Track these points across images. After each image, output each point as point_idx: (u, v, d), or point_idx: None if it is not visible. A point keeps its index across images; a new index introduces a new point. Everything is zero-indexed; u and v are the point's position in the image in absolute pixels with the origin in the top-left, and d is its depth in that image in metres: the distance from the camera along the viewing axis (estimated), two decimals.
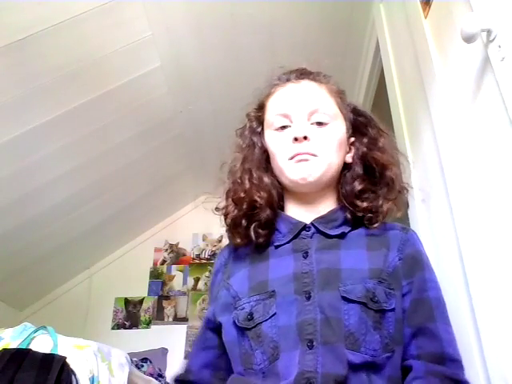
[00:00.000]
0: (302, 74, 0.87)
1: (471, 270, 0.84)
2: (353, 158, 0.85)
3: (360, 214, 0.80)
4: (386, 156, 0.83)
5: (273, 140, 0.83)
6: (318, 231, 0.80)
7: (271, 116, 0.84)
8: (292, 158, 0.79)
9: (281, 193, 0.86)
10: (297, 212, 0.83)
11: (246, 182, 0.83)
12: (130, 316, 2.86)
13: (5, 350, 1.20)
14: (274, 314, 0.71)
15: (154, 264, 3.04)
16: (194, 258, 3.04)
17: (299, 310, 0.70)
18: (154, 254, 3.07)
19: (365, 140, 0.86)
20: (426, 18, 1.08)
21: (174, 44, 1.85)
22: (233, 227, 0.83)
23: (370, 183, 0.82)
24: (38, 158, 1.90)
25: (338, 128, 0.83)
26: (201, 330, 0.86)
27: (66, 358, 1.21)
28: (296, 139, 0.78)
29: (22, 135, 1.75)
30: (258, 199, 0.80)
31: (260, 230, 0.80)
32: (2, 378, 1.11)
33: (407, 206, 0.85)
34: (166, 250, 3.08)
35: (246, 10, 1.76)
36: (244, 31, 1.86)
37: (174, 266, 3.03)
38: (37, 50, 1.51)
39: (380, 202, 0.80)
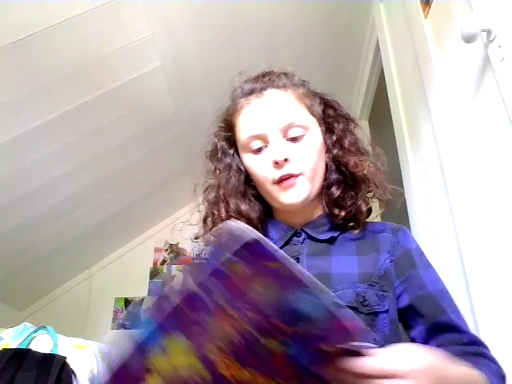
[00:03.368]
0: (265, 82, 0.81)
1: (471, 270, 0.84)
2: (327, 159, 0.82)
3: (340, 222, 0.79)
4: (354, 157, 0.79)
5: (252, 164, 0.79)
6: (309, 237, 0.80)
7: (244, 138, 0.79)
8: (277, 183, 0.76)
9: (263, 208, 0.84)
10: (287, 218, 0.83)
11: (223, 211, 0.80)
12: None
13: (5, 350, 1.20)
14: None
15: (154, 264, 3.04)
16: (194, 258, 3.04)
17: None
18: (154, 254, 3.07)
19: (334, 138, 0.82)
20: (425, 17, 1.08)
21: (174, 44, 1.85)
22: None
23: (347, 186, 0.80)
24: (37, 158, 1.90)
25: (315, 137, 0.79)
26: None
27: (66, 358, 1.21)
28: (277, 163, 0.75)
29: (22, 135, 1.75)
30: None
31: None
32: (2, 377, 1.11)
33: (386, 202, 0.81)
34: (166, 250, 3.08)
35: (246, 10, 1.76)
36: (244, 31, 1.86)
37: (174, 266, 3.03)
38: (37, 49, 1.51)
39: (359, 203, 0.78)
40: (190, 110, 2.25)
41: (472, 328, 0.82)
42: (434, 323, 0.70)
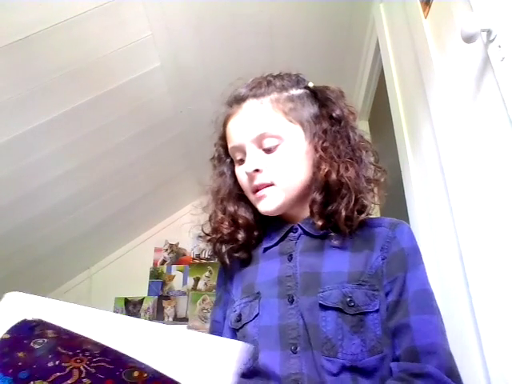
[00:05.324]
0: (245, 93, 0.81)
1: (471, 270, 0.84)
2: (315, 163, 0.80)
3: (320, 232, 0.77)
4: (326, 162, 0.77)
5: (237, 173, 0.83)
6: (305, 232, 0.80)
7: (229, 149, 0.84)
8: (254, 193, 0.79)
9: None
10: (284, 215, 0.83)
11: (219, 214, 0.85)
12: (130, 316, 2.85)
13: None
14: (257, 314, 0.73)
15: (154, 264, 3.04)
16: (194, 258, 3.04)
17: (281, 312, 0.72)
18: (153, 254, 3.07)
19: (315, 141, 0.80)
20: (425, 17, 1.08)
21: (174, 44, 1.85)
22: (214, 252, 0.86)
23: (330, 192, 0.77)
24: (38, 157, 1.90)
25: (292, 145, 0.78)
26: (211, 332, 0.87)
27: None
28: (248, 174, 0.78)
29: (22, 135, 1.75)
30: (225, 230, 0.82)
31: (235, 254, 0.82)
32: None
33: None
34: (166, 250, 3.08)
35: (246, 10, 1.76)
36: (244, 31, 1.86)
37: (174, 266, 3.03)
38: (37, 50, 1.51)
39: (340, 210, 0.75)
40: (189, 110, 2.25)
41: (472, 328, 0.82)
42: (395, 326, 0.69)
